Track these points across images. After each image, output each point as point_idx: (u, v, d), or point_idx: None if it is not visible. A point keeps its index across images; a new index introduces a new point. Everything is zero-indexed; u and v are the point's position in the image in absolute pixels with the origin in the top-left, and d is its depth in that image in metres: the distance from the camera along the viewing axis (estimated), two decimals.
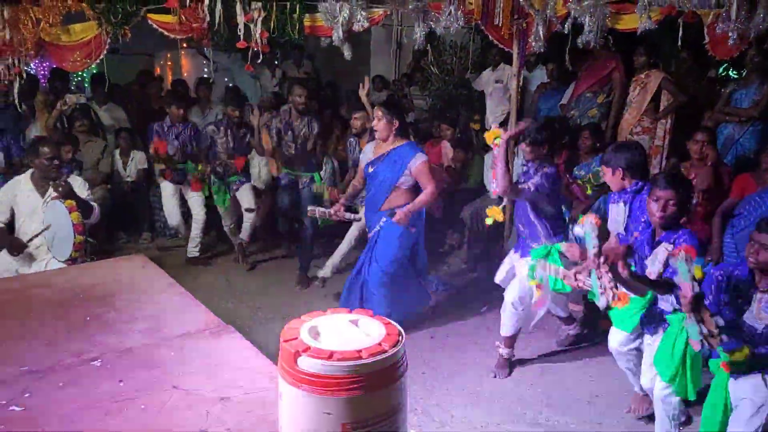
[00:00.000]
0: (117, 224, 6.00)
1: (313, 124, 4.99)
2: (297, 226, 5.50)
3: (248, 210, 5.37)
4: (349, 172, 5.15)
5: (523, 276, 3.53)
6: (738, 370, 2.39)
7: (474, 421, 3.21)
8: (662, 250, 2.60)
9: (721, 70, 6.30)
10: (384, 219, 3.97)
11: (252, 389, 2.09)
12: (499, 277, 3.94)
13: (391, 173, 3.91)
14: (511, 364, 3.80)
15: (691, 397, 2.67)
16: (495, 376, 3.71)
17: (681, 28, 3.86)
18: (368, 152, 4.12)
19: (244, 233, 5.51)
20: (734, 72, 5.88)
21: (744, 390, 2.44)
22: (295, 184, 5.12)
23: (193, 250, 5.51)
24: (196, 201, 5.43)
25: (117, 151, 6.06)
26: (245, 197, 5.38)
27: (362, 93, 4.86)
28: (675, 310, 2.68)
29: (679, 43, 3.84)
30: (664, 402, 2.79)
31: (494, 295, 4.70)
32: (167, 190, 5.50)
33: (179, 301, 2.86)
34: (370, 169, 4.01)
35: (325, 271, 4.96)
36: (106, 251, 5.17)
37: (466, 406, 3.35)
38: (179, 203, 5.54)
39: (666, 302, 2.77)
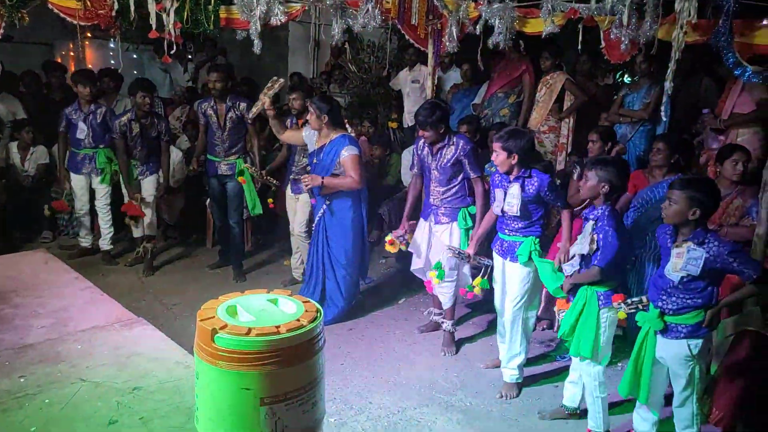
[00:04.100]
0: (13, 222, 5.60)
1: (239, 104, 4.83)
2: (218, 224, 5.34)
3: (143, 201, 5.08)
4: (289, 153, 5.02)
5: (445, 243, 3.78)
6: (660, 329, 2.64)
7: (391, 407, 3.29)
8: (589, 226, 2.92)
9: (618, 75, 6.81)
10: (327, 200, 4.16)
11: (167, 378, 2.05)
12: (422, 263, 4.07)
13: (327, 163, 4.10)
14: (455, 339, 4.01)
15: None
16: (444, 354, 3.92)
17: (581, 33, 4.13)
18: (310, 143, 4.27)
19: (148, 228, 5.17)
20: (629, 78, 6.36)
21: (669, 354, 2.66)
22: (220, 174, 4.95)
23: (104, 243, 5.25)
24: (100, 189, 5.15)
25: (14, 145, 5.65)
26: (148, 188, 5.12)
27: (264, 92, 4.48)
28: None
29: (579, 47, 4.11)
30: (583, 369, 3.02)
31: (411, 288, 4.86)
32: (75, 181, 5.18)
33: (86, 296, 2.75)
34: (314, 161, 4.20)
35: (297, 274, 4.98)
36: (2, 251, 4.82)
37: (383, 393, 3.42)
38: (90, 196, 5.23)
39: (570, 267, 3.01)
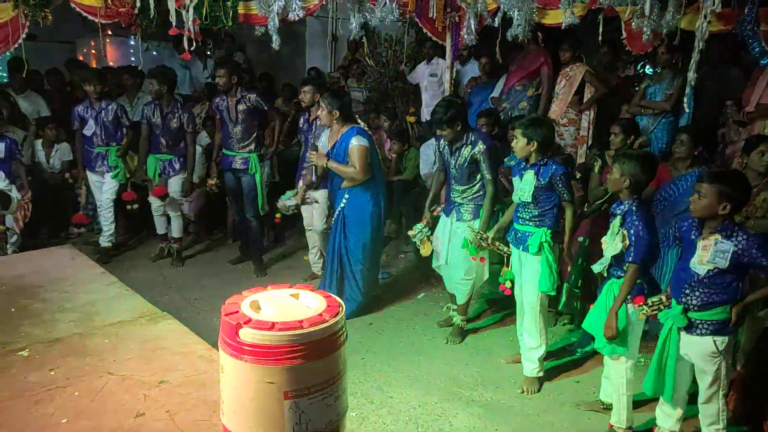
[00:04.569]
0: (40, 219, 5.71)
1: (248, 96, 4.86)
2: (237, 219, 5.39)
3: (170, 198, 5.18)
4: (303, 148, 5.03)
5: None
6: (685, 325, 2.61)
7: (412, 402, 3.30)
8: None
9: (639, 66, 6.70)
10: (346, 195, 4.17)
11: (191, 372, 2.08)
12: (441, 259, 4.08)
13: (340, 158, 4.13)
14: (464, 332, 4.03)
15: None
16: (447, 342, 3.98)
17: (601, 24, 4.08)
18: (324, 141, 4.30)
19: (175, 231, 5.34)
20: (650, 69, 6.26)
21: (694, 350, 2.63)
22: (235, 168, 4.99)
23: (103, 239, 5.33)
24: (107, 183, 5.21)
25: (39, 142, 5.76)
26: (174, 188, 5.19)
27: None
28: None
29: (600, 38, 4.06)
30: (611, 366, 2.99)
31: (430, 282, 4.87)
32: (91, 179, 5.26)
33: (112, 291, 2.79)
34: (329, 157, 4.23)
35: (316, 268, 5.03)
36: (29, 247, 4.92)
37: (404, 388, 3.43)
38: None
39: (600, 265, 2.97)
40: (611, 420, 3.02)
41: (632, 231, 2.77)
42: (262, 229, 5.31)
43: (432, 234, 4.09)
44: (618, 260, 2.86)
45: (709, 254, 2.50)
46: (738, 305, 2.54)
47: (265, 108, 4.99)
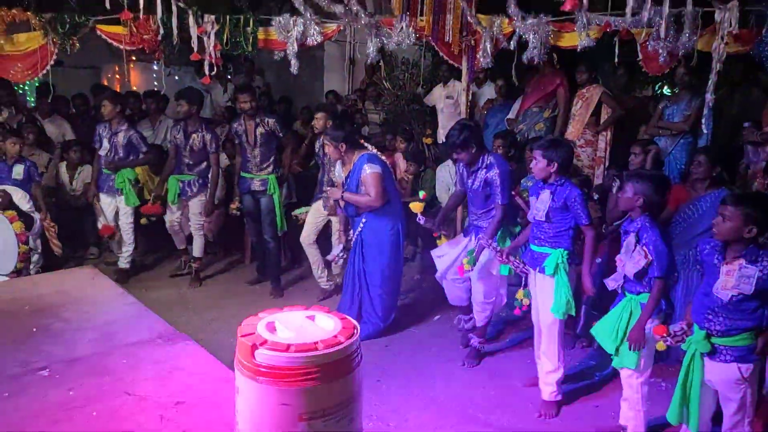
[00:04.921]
0: (62, 239, 5.81)
1: (267, 120, 4.96)
2: (253, 239, 5.45)
3: (195, 220, 5.28)
4: (321, 170, 5.08)
5: (485, 267, 3.80)
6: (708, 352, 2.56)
7: (428, 425, 3.26)
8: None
9: (657, 87, 6.69)
10: (363, 219, 4.20)
11: (207, 393, 2.10)
12: (440, 270, 4.13)
13: (353, 187, 4.17)
14: (480, 355, 4.01)
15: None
16: (464, 365, 3.94)
17: (617, 46, 4.10)
18: (339, 170, 4.35)
19: (196, 251, 5.41)
20: (668, 89, 6.25)
21: (718, 377, 2.58)
22: (254, 190, 5.06)
23: (122, 261, 5.40)
24: (122, 208, 5.29)
25: (63, 165, 5.90)
26: (194, 210, 5.27)
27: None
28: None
29: (616, 59, 4.07)
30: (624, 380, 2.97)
31: (447, 305, 4.82)
32: (102, 200, 5.33)
33: (130, 311, 2.83)
34: (345, 187, 4.26)
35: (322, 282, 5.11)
36: (52, 267, 5.01)
37: (420, 411, 3.40)
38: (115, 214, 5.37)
39: (614, 281, 2.96)
40: None
41: (651, 247, 2.76)
42: (279, 250, 5.35)
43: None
44: (639, 276, 2.84)
45: (734, 279, 2.45)
46: (765, 334, 2.48)
47: (281, 135, 5.08)
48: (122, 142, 5.18)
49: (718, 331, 2.53)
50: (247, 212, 5.30)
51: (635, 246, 2.83)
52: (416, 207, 4.08)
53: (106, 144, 5.17)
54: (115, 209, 5.35)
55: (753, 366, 2.52)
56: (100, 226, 5.51)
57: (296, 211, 5.11)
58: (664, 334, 2.70)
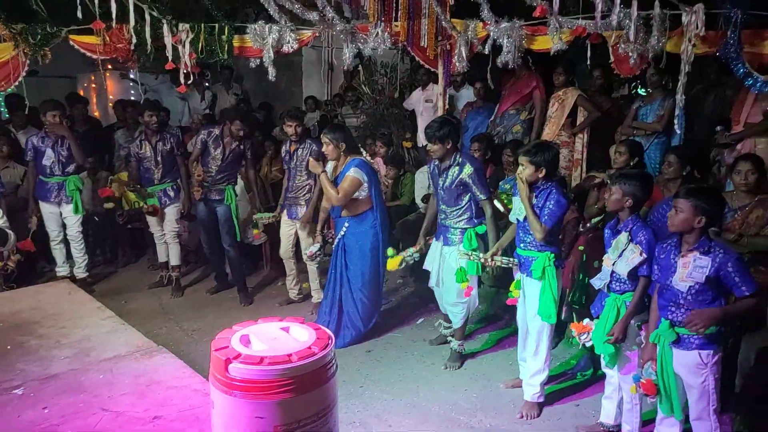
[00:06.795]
0: (38, 252, 5.72)
1: (244, 146, 4.98)
2: (206, 249, 5.36)
3: (170, 227, 5.25)
4: (286, 176, 5.03)
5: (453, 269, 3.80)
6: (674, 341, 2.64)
7: (411, 429, 3.27)
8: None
9: (632, 86, 6.78)
10: (346, 224, 4.23)
11: (186, 407, 2.09)
12: (432, 281, 4.10)
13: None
14: (462, 357, 4.03)
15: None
16: (446, 368, 3.96)
17: (589, 49, 4.15)
18: (330, 169, 4.34)
19: (173, 259, 5.36)
20: (642, 90, 6.33)
21: (682, 365, 2.65)
22: (210, 199, 5.03)
23: (79, 271, 5.33)
24: (71, 218, 5.19)
25: None
26: (170, 218, 5.25)
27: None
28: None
29: (588, 62, 4.13)
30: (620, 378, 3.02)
31: (428, 308, 4.86)
32: (45, 210, 5.18)
33: (108, 325, 2.81)
34: None
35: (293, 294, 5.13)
36: (27, 280, 4.94)
37: (403, 416, 3.41)
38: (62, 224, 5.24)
39: (600, 280, 3.00)
40: (623, 429, 3.04)
41: (646, 245, 2.81)
42: (239, 257, 5.27)
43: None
44: (631, 275, 2.87)
45: (688, 270, 2.55)
46: (717, 308, 2.55)
47: (249, 158, 5.08)
48: (65, 149, 5.08)
49: (680, 322, 2.62)
50: (200, 221, 5.21)
51: (627, 245, 2.87)
52: (393, 264, 4.09)
53: (50, 153, 5.05)
54: (60, 219, 5.20)
55: (713, 352, 2.60)
56: (32, 228, 5.21)
57: (256, 216, 5.07)
58: (583, 332, 2.84)
